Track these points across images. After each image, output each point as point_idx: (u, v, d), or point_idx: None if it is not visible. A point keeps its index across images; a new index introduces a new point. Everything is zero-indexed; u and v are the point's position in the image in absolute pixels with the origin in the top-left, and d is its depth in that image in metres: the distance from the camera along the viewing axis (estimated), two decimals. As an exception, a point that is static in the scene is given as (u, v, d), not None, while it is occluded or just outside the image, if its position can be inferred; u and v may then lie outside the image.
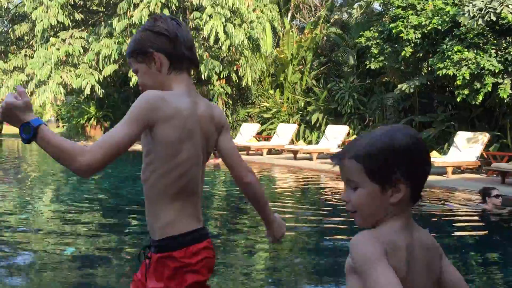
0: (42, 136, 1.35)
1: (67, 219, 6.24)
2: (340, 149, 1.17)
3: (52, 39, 15.95)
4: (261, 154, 14.29)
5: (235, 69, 16.65)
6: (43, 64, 15.52)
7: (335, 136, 13.52)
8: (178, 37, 1.61)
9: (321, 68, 17.11)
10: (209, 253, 1.62)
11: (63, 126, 25.98)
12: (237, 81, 16.83)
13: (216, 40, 15.37)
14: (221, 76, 16.81)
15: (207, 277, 1.61)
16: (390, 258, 1.00)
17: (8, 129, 24.56)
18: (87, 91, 15.80)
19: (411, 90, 11.66)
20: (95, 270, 4.33)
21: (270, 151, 14.68)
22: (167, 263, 1.55)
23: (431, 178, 9.54)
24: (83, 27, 16.75)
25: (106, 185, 9.46)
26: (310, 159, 12.92)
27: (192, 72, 1.74)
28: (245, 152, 14.64)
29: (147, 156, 1.61)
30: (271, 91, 17.56)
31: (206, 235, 1.64)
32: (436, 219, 6.48)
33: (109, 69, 15.63)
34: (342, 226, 5.90)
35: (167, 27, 1.60)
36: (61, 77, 15.66)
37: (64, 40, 15.85)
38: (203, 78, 15.96)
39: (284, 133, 15.02)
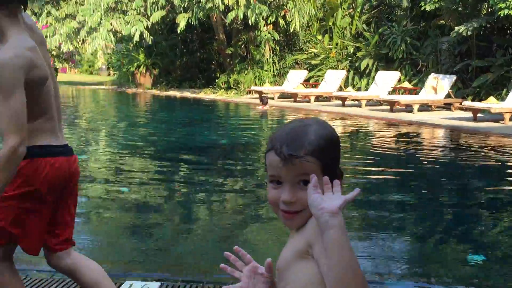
0: None
1: (121, 163, 6.50)
2: (280, 146, 1.02)
3: (101, -14, 16.09)
4: (309, 101, 14.17)
5: (282, 14, 16.27)
6: (93, 11, 15.74)
7: (386, 82, 13.15)
8: None
9: (372, 12, 16.42)
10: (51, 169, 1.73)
11: (113, 74, 26.55)
12: (285, 26, 16.48)
13: (264, -17, 15.00)
14: (268, 22, 16.50)
15: (45, 189, 1.72)
16: None
17: (63, 76, 25.43)
18: (136, 38, 15.97)
19: (469, 33, 11.05)
20: (147, 212, 4.54)
21: (317, 98, 14.52)
22: None
23: (487, 124, 9.19)
24: (130, -27, 16.74)
25: (157, 130, 9.72)
26: (359, 106, 12.69)
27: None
28: (293, 99, 14.56)
29: None
30: (319, 37, 17.12)
31: (58, 153, 1.76)
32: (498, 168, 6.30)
33: (157, 15, 15.67)
34: (390, 177, 5.84)
35: None
36: (111, 24, 15.87)
37: (113, -13, 15.97)
38: (250, 24, 15.73)
39: (332, 79, 14.75)
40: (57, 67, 23.84)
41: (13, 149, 1.53)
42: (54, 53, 22.75)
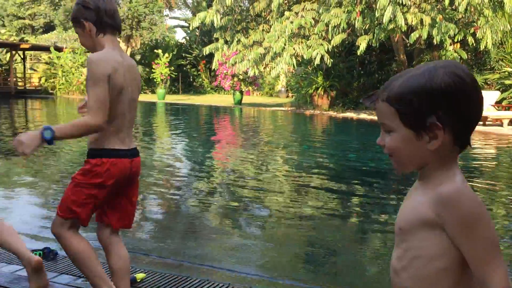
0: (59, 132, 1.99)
1: (297, 182, 6.71)
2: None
3: (286, 13, 17.00)
4: (501, 125, 12.82)
5: (472, 31, 15.11)
6: (278, 37, 16.72)
7: None
8: (100, 8, 2.13)
9: None
10: (114, 168, 2.14)
11: (292, 96, 27.71)
12: (474, 44, 15.27)
13: (452, 0, 14.16)
14: (456, 40, 15.48)
15: (109, 182, 2.14)
16: None
17: (248, 98, 27.44)
18: (317, 61, 16.44)
19: None
20: (320, 231, 4.58)
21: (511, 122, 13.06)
22: (87, 164, 2.17)
23: None
24: (313, -1, 17.41)
25: (334, 151, 9.81)
26: None
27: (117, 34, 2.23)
28: (481, 122, 13.34)
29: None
30: (516, 54, 15.44)
31: (123, 155, 2.16)
32: None
33: (338, 39, 15.95)
34: None
35: (93, 1, 2.13)
36: (293, 48, 16.64)
37: (297, 13, 16.74)
38: (435, 43, 14.95)
39: (531, 101, 13.12)
40: (243, 90, 25.92)
41: (88, 125, 2.02)
42: (241, 77, 24.79)
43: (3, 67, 33.81)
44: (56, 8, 34.42)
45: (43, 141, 1.95)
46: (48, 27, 40.53)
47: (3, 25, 38.95)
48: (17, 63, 33.21)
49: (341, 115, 18.48)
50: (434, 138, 0.98)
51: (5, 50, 34.48)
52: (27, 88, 32.06)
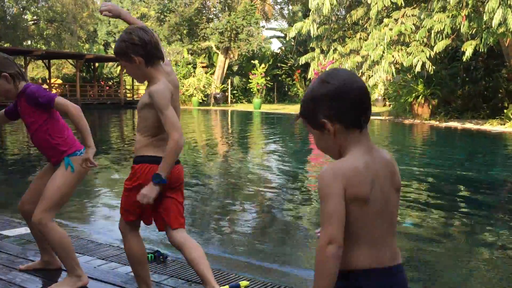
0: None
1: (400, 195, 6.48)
2: None
3: (385, 20, 16.56)
4: None
5: None
6: (376, 45, 16.33)
7: None
8: (146, 43, 2.34)
9: None
10: (153, 172, 2.33)
11: (389, 105, 26.84)
12: None
13: None
14: None
15: (144, 183, 2.36)
16: (352, 183, 1.24)
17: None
18: (418, 69, 15.80)
19: None
20: (425, 244, 4.38)
21: None
22: (132, 169, 2.42)
23: None
24: (415, 5, 16.76)
25: (435, 161, 9.36)
26: None
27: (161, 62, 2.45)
28: None
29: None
30: None
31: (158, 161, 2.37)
32: None
33: (441, 45, 15.21)
34: None
35: (139, 37, 2.33)
36: (392, 56, 16.15)
37: (396, 20, 16.23)
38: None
39: None
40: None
41: (174, 145, 2.26)
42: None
43: (114, 80, 36.66)
44: (161, 24, 36.59)
45: (157, 185, 2.28)
46: (154, 42, 43.15)
47: (115, 41, 42.31)
48: (126, 75, 35.83)
49: (443, 124, 17.56)
50: (328, 129, 1.30)
51: (115, 64, 37.36)
52: (135, 99, 34.43)
